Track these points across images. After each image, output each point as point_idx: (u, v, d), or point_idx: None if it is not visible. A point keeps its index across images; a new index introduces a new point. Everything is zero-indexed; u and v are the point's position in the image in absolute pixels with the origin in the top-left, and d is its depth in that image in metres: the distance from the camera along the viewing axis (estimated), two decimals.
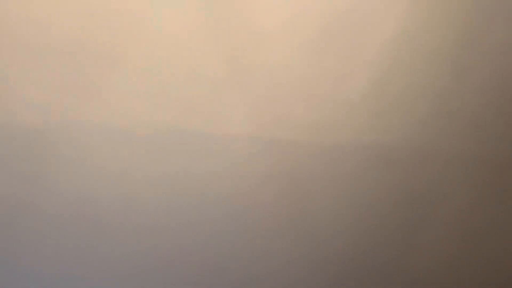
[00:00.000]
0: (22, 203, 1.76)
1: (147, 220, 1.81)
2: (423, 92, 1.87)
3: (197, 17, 1.77)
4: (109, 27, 1.74)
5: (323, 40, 1.82)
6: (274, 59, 1.81)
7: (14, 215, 1.76)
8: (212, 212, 1.83)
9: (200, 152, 1.81)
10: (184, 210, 1.82)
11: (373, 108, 1.86)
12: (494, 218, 1.94)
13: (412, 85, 1.87)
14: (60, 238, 1.79)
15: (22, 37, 1.72)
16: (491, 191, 1.93)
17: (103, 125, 1.77)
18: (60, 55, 1.74)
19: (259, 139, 1.82)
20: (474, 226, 1.93)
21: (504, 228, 1.94)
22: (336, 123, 1.85)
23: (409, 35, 1.85)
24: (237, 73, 1.80)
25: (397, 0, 1.83)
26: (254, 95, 1.81)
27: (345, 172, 1.87)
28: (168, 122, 1.79)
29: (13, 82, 1.73)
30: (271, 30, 1.80)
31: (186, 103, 1.79)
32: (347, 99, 1.84)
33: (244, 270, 1.87)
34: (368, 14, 1.83)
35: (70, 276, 1.80)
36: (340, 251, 1.90)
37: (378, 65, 1.85)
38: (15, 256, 1.77)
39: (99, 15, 1.74)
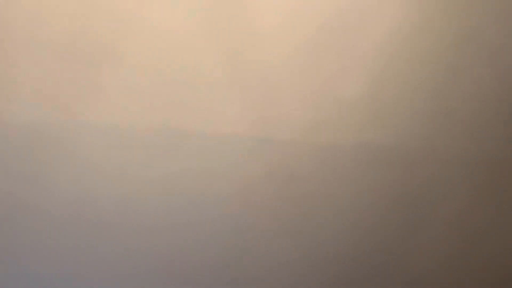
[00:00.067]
0: (21, 203, 1.76)
1: (146, 220, 1.81)
2: (421, 92, 1.88)
3: (195, 16, 1.78)
4: (106, 26, 1.75)
5: (320, 40, 1.83)
6: (271, 59, 1.81)
7: (13, 215, 1.76)
8: (211, 212, 1.83)
9: (198, 152, 1.81)
10: (182, 210, 1.82)
11: (371, 107, 1.86)
12: (492, 218, 1.94)
13: (409, 84, 1.88)
14: (59, 238, 1.78)
15: (19, 36, 1.73)
16: (489, 191, 1.93)
17: (101, 125, 1.77)
18: (58, 54, 1.74)
19: (257, 138, 1.83)
20: (473, 226, 1.93)
21: (503, 228, 1.94)
22: (334, 123, 1.85)
23: (406, 35, 1.86)
24: (235, 72, 1.80)
25: (394, 2, 1.84)
26: (252, 94, 1.81)
27: (343, 171, 1.87)
28: (166, 122, 1.79)
29: (10, 82, 1.73)
30: (269, 29, 1.81)
31: (184, 102, 1.79)
32: (345, 98, 1.85)
33: (242, 270, 1.86)
34: (365, 14, 1.84)
35: (69, 276, 1.80)
36: (339, 251, 1.89)
37: (376, 64, 1.85)
38: (14, 256, 1.77)
39: (97, 14, 1.75)
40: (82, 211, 1.79)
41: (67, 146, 1.77)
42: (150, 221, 1.81)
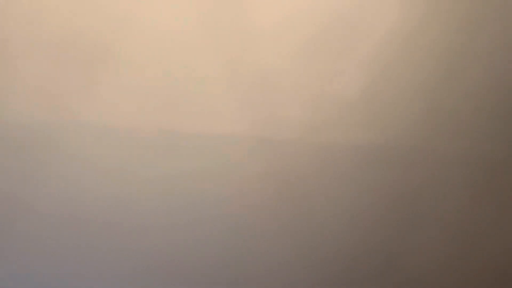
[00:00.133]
0: (19, 203, 1.77)
1: (145, 220, 1.82)
2: (419, 92, 1.88)
3: (194, 17, 1.78)
4: (105, 26, 1.75)
5: (318, 41, 1.83)
6: (271, 59, 1.81)
7: (11, 215, 1.77)
8: (210, 212, 1.83)
9: (197, 152, 1.81)
10: (181, 210, 1.83)
11: (371, 107, 1.86)
12: (492, 217, 1.94)
13: (407, 84, 1.87)
14: (57, 238, 1.79)
15: (17, 36, 1.73)
16: (488, 191, 1.93)
17: (100, 125, 1.77)
18: (56, 54, 1.74)
19: (256, 138, 1.83)
20: (472, 226, 1.93)
21: (502, 228, 1.94)
22: (332, 123, 1.85)
23: (405, 35, 1.86)
24: (234, 72, 1.80)
25: (393, 1, 1.84)
26: (251, 94, 1.81)
27: (341, 171, 1.87)
28: (165, 122, 1.79)
29: (8, 82, 1.74)
30: (266, 30, 1.80)
31: (183, 103, 1.79)
32: (344, 98, 1.85)
33: (242, 270, 1.87)
34: (363, 14, 1.84)
35: (68, 276, 1.80)
36: (338, 251, 1.89)
37: (374, 64, 1.85)
38: (13, 256, 1.77)
39: (95, 15, 1.74)
40: (80, 211, 1.79)
41: (65, 146, 1.77)
42: (149, 221, 1.82)
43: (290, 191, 1.86)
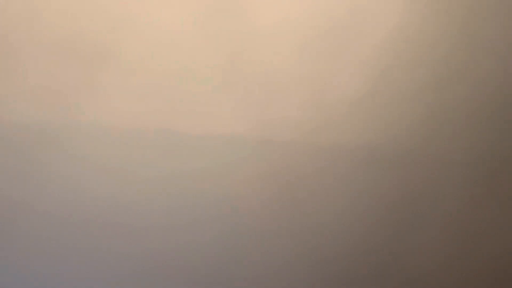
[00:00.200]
0: (19, 203, 1.77)
1: (146, 220, 1.82)
2: (419, 93, 1.87)
3: (194, 17, 1.77)
4: (106, 26, 1.75)
5: (319, 42, 1.83)
6: (271, 60, 1.81)
7: (11, 215, 1.77)
8: (209, 213, 1.83)
9: (198, 153, 1.81)
10: (182, 211, 1.83)
11: (369, 108, 1.86)
12: (492, 218, 1.94)
13: (407, 85, 1.87)
14: (58, 238, 1.79)
15: (18, 36, 1.73)
16: (487, 190, 1.93)
17: (100, 125, 1.77)
18: (57, 55, 1.74)
19: (255, 139, 1.83)
20: (473, 226, 1.93)
21: (503, 228, 1.94)
22: (332, 124, 1.85)
23: (406, 35, 1.85)
24: (235, 72, 1.80)
25: (392, 2, 1.83)
26: (251, 95, 1.81)
27: (341, 172, 1.87)
28: (165, 122, 1.79)
29: (9, 82, 1.73)
30: (268, 30, 1.80)
31: (184, 103, 1.79)
32: (343, 99, 1.85)
33: (241, 271, 1.87)
34: (363, 15, 1.83)
35: (68, 276, 1.80)
36: (339, 251, 1.89)
37: (374, 66, 1.85)
38: (13, 256, 1.78)
39: (96, 15, 1.74)
40: (80, 211, 1.79)
41: (66, 146, 1.77)
42: (149, 222, 1.82)
43: (290, 192, 1.86)
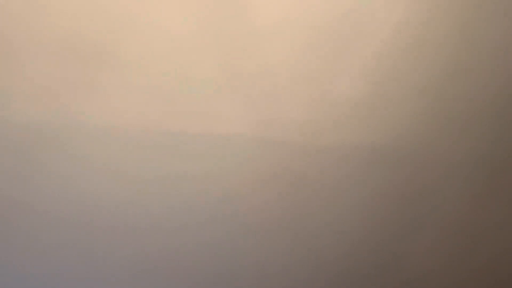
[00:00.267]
0: (18, 203, 1.77)
1: (145, 222, 1.82)
2: (422, 93, 1.88)
3: (194, 17, 1.77)
4: (105, 26, 1.75)
5: (321, 42, 1.83)
6: (270, 60, 1.81)
7: (10, 215, 1.77)
8: (210, 214, 1.84)
9: (197, 153, 1.81)
10: (181, 212, 1.83)
11: (372, 109, 1.86)
12: (493, 218, 1.94)
13: (411, 85, 1.87)
14: (57, 239, 1.79)
15: (17, 35, 1.73)
16: (491, 191, 1.93)
17: (100, 125, 1.77)
18: (57, 54, 1.74)
19: (255, 140, 1.83)
20: (474, 226, 1.93)
21: (504, 228, 1.94)
22: (334, 124, 1.85)
23: (406, 35, 1.85)
24: (234, 73, 1.80)
25: (394, 1, 1.83)
26: (250, 95, 1.81)
27: (343, 173, 1.87)
28: (165, 122, 1.79)
29: (8, 81, 1.73)
30: (268, 30, 1.80)
31: (184, 103, 1.79)
32: (345, 99, 1.85)
33: (242, 271, 1.87)
34: (366, 15, 1.83)
35: (68, 277, 1.80)
36: (340, 252, 1.90)
37: (377, 66, 1.85)
38: (11, 257, 1.78)
39: (96, 15, 1.74)
40: (81, 212, 1.79)
41: (66, 147, 1.77)
42: (150, 222, 1.82)
43: (292, 192, 1.86)
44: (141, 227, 1.82)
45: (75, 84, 1.76)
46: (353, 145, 1.86)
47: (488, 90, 1.90)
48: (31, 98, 1.74)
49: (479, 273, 1.95)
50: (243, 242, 1.86)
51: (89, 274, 1.81)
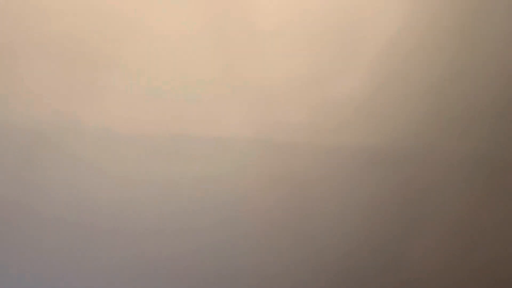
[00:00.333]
0: (19, 206, 1.76)
1: (147, 225, 1.82)
2: (423, 95, 1.88)
3: (194, 20, 1.77)
4: (106, 30, 1.75)
5: (322, 44, 1.83)
6: (272, 62, 1.81)
7: (11, 218, 1.77)
8: (212, 216, 1.84)
9: (198, 156, 1.81)
10: (182, 215, 1.83)
11: (373, 110, 1.86)
12: (494, 219, 1.94)
13: (411, 87, 1.87)
14: (58, 242, 1.79)
15: (18, 39, 1.73)
16: (491, 192, 1.93)
17: (100, 129, 1.77)
18: (58, 58, 1.74)
19: (258, 142, 1.83)
20: (475, 227, 1.94)
21: (504, 229, 1.95)
22: (335, 126, 1.85)
23: (407, 38, 1.86)
24: (236, 76, 1.80)
25: (395, 3, 1.84)
26: (252, 98, 1.81)
27: (345, 174, 1.87)
28: (165, 126, 1.79)
29: (9, 85, 1.73)
30: (269, 33, 1.80)
31: (185, 106, 1.79)
32: (348, 101, 1.85)
33: (246, 274, 1.87)
34: (369, 16, 1.83)
35: (68, 280, 1.80)
36: (341, 253, 1.90)
37: (377, 68, 1.85)
38: (13, 260, 1.78)
39: (97, 18, 1.74)
40: (83, 216, 1.79)
41: (68, 150, 1.77)
42: (150, 226, 1.82)
43: (294, 195, 1.86)
44: (142, 230, 1.82)
45: (76, 87, 1.76)
46: (355, 147, 1.86)
47: (488, 91, 1.90)
48: (32, 100, 1.74)
49: (479, 273, 1.95)
50: (245, 244, 1.86)
51: (89, 277, 1.81)
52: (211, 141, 1.81)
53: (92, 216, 1.79)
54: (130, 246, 1.81)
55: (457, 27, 1.88)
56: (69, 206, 1.78)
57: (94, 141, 1.77)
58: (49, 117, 1.75)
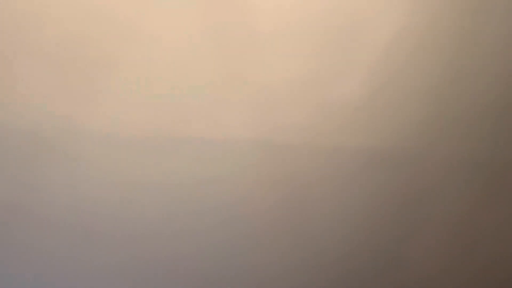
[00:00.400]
0: (18, 209, 1.77)
1: (146, 227, 1.82)
2: (422, 96, 1.88)
3: (195, 22, 1.77)
4: (105, 34, 1.75)
5: (321, 46, 1.83)
6: (272, 65, 1.81)
7: (10, 221, 1.77)
8: (212, 218, 1.84)
9: (199, 158, 1.81)
10: (183, 216, 1.83)
11: (373, 112, 1.86)
12: (494, 219, 1.95)
13: (411, 88, 1.87)
14: (58, 245, 1.79)
15: (17, 43, 1.73)
16: (491, 193, 1.93)
17: (100, 131, 1.77)
18: (56, 61, 1.74)
19: (258, 143, 1.83)
20: (475, 227, 1.94)
21: (504, 229, 1.95)
22: (335, 127, 1.85)
23: (407, 40, 1.86)
24: (236, 78, 1.80)
25: (395, 4, 1.84)
26: (252, 100, 1.81)
27: (345, 175, 1.87)
28: (165, 128, 1.79)
29: (8, 88, 1.73)
30: (269, 36, 1.80)
31: (184, 109, 1.79)
32: (346, 103, 1.85)
33: (246, 275, 1.87)
34: (369, 19, 1.83)
35: (67, 282, 1.80)
36: (341, 254, 1.90)
37: (377, 69, 1.85)
38: (12, 262, 1.78)
39: (96, 22, 1.74)
40: (83, 218, 1.79)
41: (67, 153, 1.77)
42: (148, 228, 1.82)
43: (294, 197, 1.86)
44: (142, 231, 1.82)
45: (75, 90, 1.76)
46: (355, 148, 1.86)
47: (488, 92, 1.90)
48: (31, 103, 1.74)
49: (479, 273, 1.95)
50: (245, 245, 1.86)
51: (89, 278, 1.81)
52: (211, 142, 1.81)
53: (92, 217, 1.79)
54: (130, 247, 1.81)
55: (457, 27, 1.88)
56: (69, 207, 1.78)
57: (93, 143, 1.77)
58: (48, 120, 1.75)
